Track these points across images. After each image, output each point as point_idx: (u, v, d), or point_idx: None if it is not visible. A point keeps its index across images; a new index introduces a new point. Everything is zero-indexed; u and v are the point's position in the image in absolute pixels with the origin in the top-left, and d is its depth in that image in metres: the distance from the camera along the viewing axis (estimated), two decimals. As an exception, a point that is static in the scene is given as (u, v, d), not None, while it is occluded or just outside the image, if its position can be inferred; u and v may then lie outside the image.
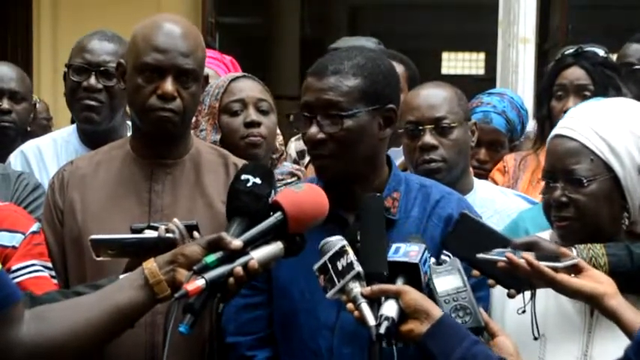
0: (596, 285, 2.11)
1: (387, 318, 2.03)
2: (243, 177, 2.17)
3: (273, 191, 2.18)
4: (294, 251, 2.14)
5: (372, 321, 2.03)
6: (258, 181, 2.16)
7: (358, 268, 2.09)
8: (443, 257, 2.23)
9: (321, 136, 2.40)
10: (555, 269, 2.11)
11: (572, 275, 2.13)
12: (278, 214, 2.10)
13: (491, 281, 2.24)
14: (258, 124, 3.15)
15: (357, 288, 2.08)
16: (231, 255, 2.04)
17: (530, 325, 2.23)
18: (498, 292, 2.33)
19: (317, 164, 2.47)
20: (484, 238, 2.22)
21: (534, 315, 2.21)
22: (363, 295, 2.07)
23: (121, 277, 2.20)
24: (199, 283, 1.98)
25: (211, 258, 2.03)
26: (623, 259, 2.23)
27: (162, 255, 2.10)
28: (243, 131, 3.15)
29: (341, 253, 2.11)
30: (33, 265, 2.55)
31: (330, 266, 2.10)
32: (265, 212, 2.12)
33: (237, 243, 2.05)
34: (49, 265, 2.61)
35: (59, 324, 2.03)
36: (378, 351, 2.03)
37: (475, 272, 2.21)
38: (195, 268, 2.02)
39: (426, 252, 2.16)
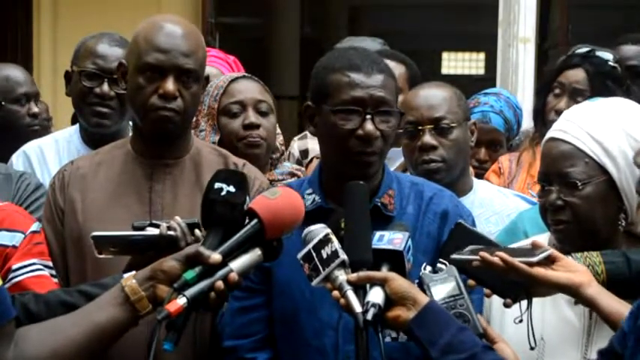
0: (571, 275, 2.11)
1: (373, 305, 2.03)
2: (217, 186, 2.15)
3: (247, 197, 2.16)
4: (272, 256, 2.14)
5: (358, 308, 2.03)
6: (232, 189, 2.14)
7: (343, 256, 2.09)
8: (439, 265, 2.24)
9: (377, 132, 2.43)
10: (530, 264, 2.11)
11: (547, 266, 2.13)
12: (254, 222, 2.09)
13: (487, 291, 2.23)
14: (257, 127, 3.15)
15: (342, 276, 2.08)
16: (211, 268, 2.04)
17: (531, 331, 2.22)
18: (497, 300, 2.32)
19: (367, 160, 2.46)
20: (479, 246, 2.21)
21: (531, 324, 2.21)
22: (349, 283, 2.07)
23: (125, 276, 2.20)
24: (181, 302, 1.97)
25: (191, 274, 2.02)
26: (620, 266, 2.23)
27: (141, 271, 2.10)
28: (242, 133, 3.16)
29: (325, 241, 2.10)
30: (33, 264, 2.54)
31: (314, 254, 2.09)
32: (241, 220, 2.11)
33: (215, 257, 2.04)
34: (50, 264, 2.60)
35: (41, 344, 2.03)
36: (365, 339, 2.02)
37: (470, 282, 2.20)
38: (175, 285, 2.01)
39: (410, 240, 2.16)
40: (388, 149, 2.50)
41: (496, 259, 2.11)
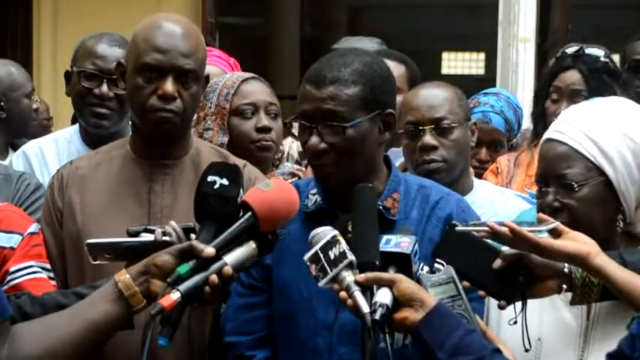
0: (579, 245, 2.10)
1: (381, 305, 2.02)
2: (210, 178, 2.13)
3: (241, 190, 2.15)
4: (267, 249, 2.13)
5: (366, 308, 2.02)
6: (225, 182, 2.13)
7: (351, 256, 2.07)
8: (436, 265, 2.22)
9: (323, 146, 2.39)
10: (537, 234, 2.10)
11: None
12: (248, 215, 2.08)
13: (481, 292, 2.22)
14: (269, 130, 3.16)
15: (349, 276, 2.06)
16: (205, 262, 2.03)
17: (525, 333, 2.21)
18: (494, 301, 2.30)
19: (319, 173, 2.46)
20: (473, 248, 2.19)
21: (525, 326, 2.19)
22: (357, 283, 2.05)
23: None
24: (174, 297, 1.96)
25: (184, 268, 2.01)
26: None
27: (134, 266, 2.09)
28: (255, 136, 3.16)
29: (333, 242, 2.08)
30: (31, 266, 2.54)
31: (321, 255, 2.08)
32: (235, 213, 2.10)
33: (209, 251, 2.03)
34: (48, 266, 2.60)
35: (35, 342, 2.02)
36: (373, 340, 2.00)
37: (465, 283, 2.18)
38: (169, 280, 2.00)
39: (416, 244, 2.15)
40: (355, 159, 2.41)
41: (504, 229, 2.10)
